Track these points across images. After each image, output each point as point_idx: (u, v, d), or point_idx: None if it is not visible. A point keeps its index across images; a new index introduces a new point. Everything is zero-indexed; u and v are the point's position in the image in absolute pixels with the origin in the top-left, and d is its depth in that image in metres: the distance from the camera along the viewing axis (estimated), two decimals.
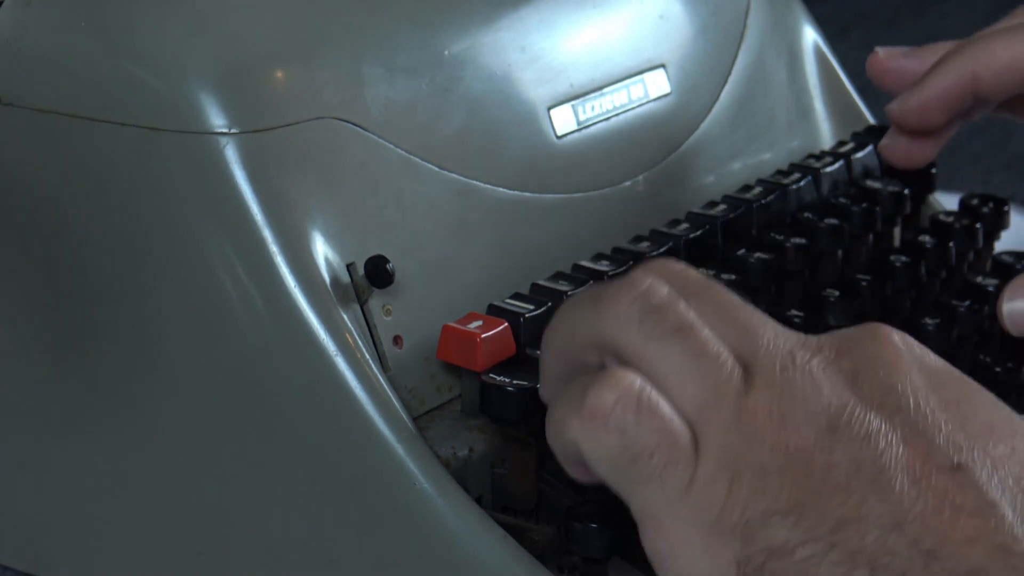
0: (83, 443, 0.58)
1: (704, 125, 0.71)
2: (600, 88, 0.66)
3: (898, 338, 0.44)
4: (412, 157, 0.58)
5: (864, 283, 0.68)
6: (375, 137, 0.57)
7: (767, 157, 0.74)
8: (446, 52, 0.60)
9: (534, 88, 0.63)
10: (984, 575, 0.39)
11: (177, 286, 0.54)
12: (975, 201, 0.75)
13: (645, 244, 0.63)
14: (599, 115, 0.65)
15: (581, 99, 0.65)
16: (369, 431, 0.52)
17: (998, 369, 0.67)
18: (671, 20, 0.70)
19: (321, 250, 0.54)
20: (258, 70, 0.55)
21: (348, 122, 0.56)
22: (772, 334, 0.44)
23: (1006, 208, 0.75)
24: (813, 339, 0.44)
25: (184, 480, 0.56)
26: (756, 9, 0.75)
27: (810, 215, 0.69)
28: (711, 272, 0.61)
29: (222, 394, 0.54)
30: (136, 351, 0.56)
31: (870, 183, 0.73)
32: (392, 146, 0.57)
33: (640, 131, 0.67)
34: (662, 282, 0.45)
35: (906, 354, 0.44)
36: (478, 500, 0.54)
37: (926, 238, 0.72)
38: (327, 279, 0.54)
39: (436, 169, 0.59)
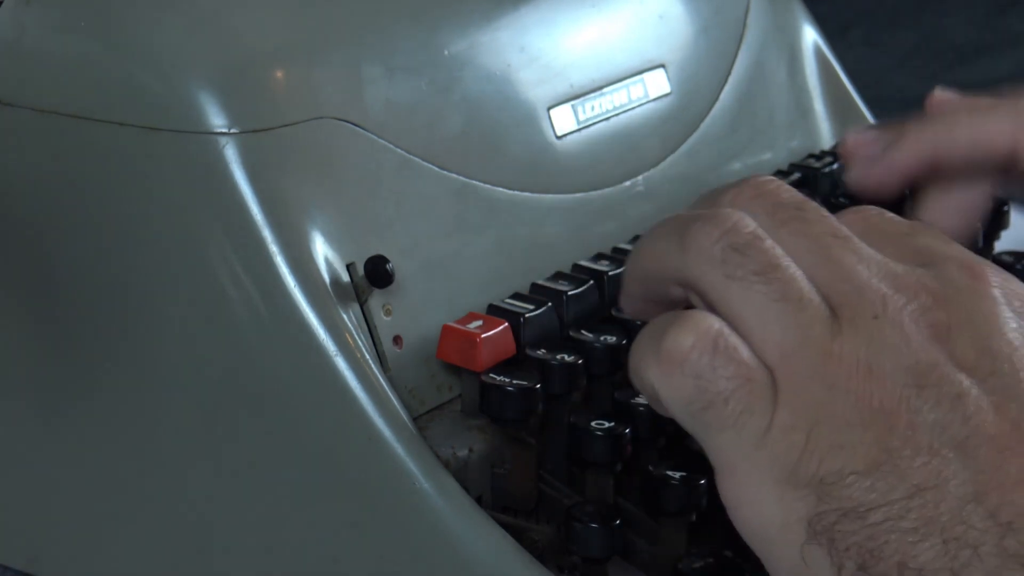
0: (83, 443, 0.58)
1: (704, 125, 0.71)
2: (600, 88, 0.66)
3: (998, 290, 0.43)
4: (412, 157, 0.58)
5: None
6: (375, 137, 0.57)
7: (767, 157, 0.74)
8: (446, 52, 0.60)
9: (534, 88, 0.63)
10: None
11: (177, 286, 0.54)
12: None
13: None
14: (599, 115, 0.65)
15: (581, 99, 0.65)
16: (369, 431, 0.52)
17: None
18: (671, 20, 0.70)
19: (321, 250, 0.54)
20: (258, 70, 0.55)
21: (348, 122, 0.56)
22: (866, 274, 0.42)
23: (1006, 208, 0.75)
24: (912, 277, 0.42)
25: (184, 480, 0.56)
26: (756, 9, 0.75)
27: None
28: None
29: (222, 394, 0.54)
30: (136, 350, 0.56)
31: None
32: (392, 146, 0.57)
33: (640, 131, 0.67)
34: (749, 216, 0.43)
35: (1005, 307, 0.42)
36: (478, 500, 0.54)
37: None
38: (327, 279, 0.54)
39: (436, 169, 0.59)
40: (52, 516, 0.59)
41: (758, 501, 0.41)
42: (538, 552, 0.52)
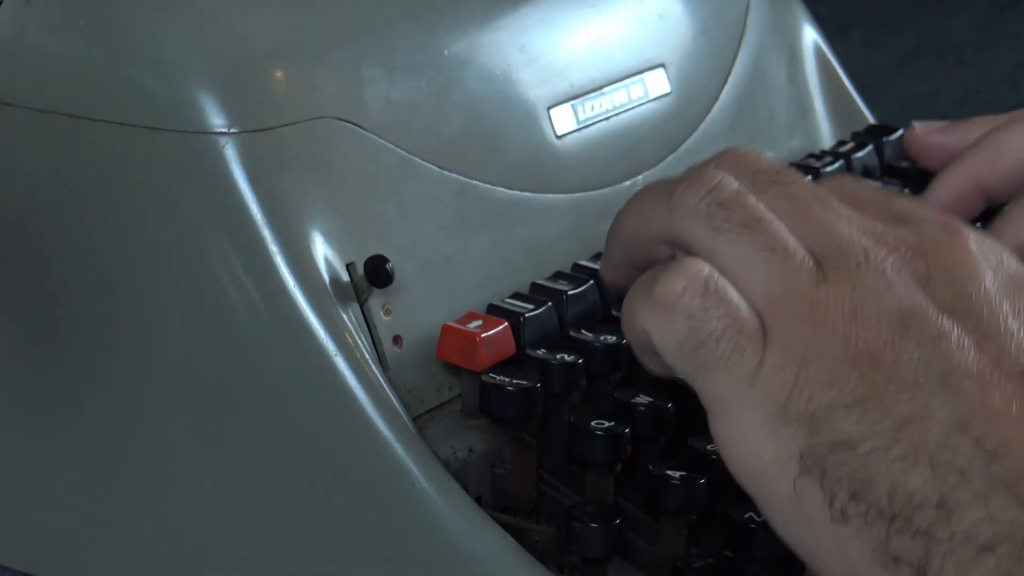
0: (83, 443, 0.58)
1: (704, 125, 0.71)
2: (600, 88, 0.66)
3: (975, 244, 0.44)
4: (412, 157, 0.58)
5: None
6: (375, 137, 0.57)
7: (767, 157, 0.74)
8: (446, 52, 0.60)
9: (534, 88, 0.63)
10: None
11: (176, 286, 0.54)
12: None
13: None
14: (599, 115, 0.65)
15: (581, 99, 0.65)
16: (369, 431, 0.52)
17: None
18: (671, 20, 0.70)
19: (321, 250, 0.54)
20: (257, 70, 0.55)
21: (348, 122, 0.56)
22: (847, 229, 0.44)
23: (1005, 208, 0.75)
24: (891, 233, 0.44)
25: (183, 480, 0.56)
26: (756, 9, 0.75)
27: None
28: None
29: (221, 394, 0.54)
30: (135, 350, 0.56)
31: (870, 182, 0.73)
32: (392, 146, 0.57)
33: (640, 131, 0.67)
34: (733, 176, 0.45)
35: (981, 261, 0.44)
36: (478, 500, 0.54)
37: None
38: (327, 279, 0.54)
39: (436, 169, 0.59)
40: (51, 517, 0.59)
41: (750, 439, 0.43)
42: (538, 552, 0.52)
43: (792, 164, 0.73)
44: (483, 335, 0.55)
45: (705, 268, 0.44)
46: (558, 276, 0.61)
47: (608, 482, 0.54)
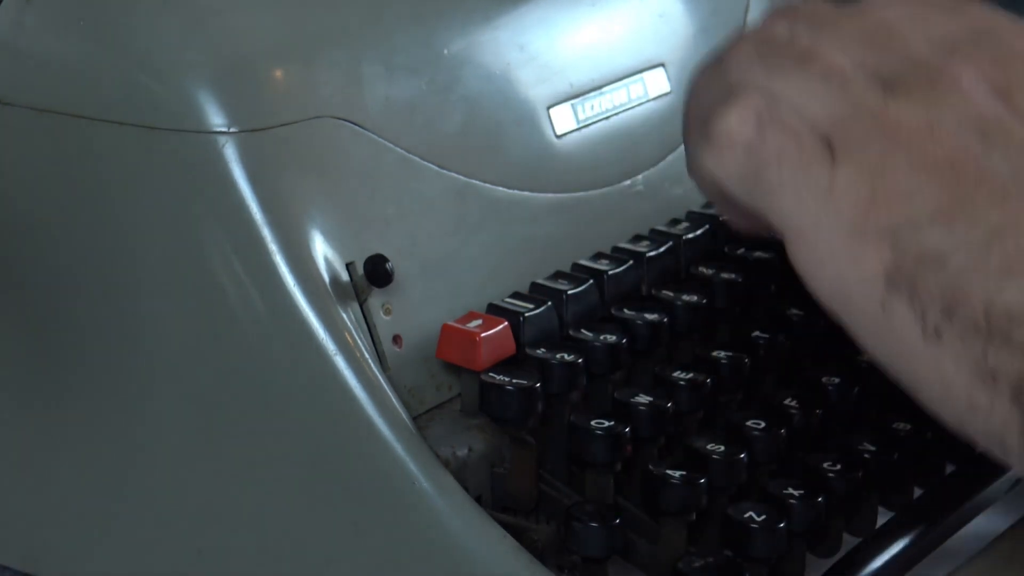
0: (82, 442, 0.58)
1: None
2: (600, 87, 0.66)
3: None
4: (411, 156, 0.58)
5: None
6: (374, 136, 0.57)
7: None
8: (445, 51, 0.60)
9: (533, 87, 0.63)
10: None
11: (176, 285, 0.54)
12: None
13: (645, 243, 0.63)
14: (599, 114, 0.65)
15: (581, 98, 0.65)
16: (369, 431, 0.52)
17: None
18: (671, 19, 0.70)
19: (320, 249, 0.54)
20: (257, 69, 0.55)
21: (347, 121, 0.56)
22: (917, 47, 0.42)
23: None
24: (967, 46, 0.42)
25: (183, 479, 0.56)
26: (756, 9, 0.75)
27: None
28: None
29: (221, 393, 0.54)
30: (135, 350, 0.56)
31: None
32: (391, 145, 0.57)
33: (640, 130, 0.67)
34: (783, 23, 0.43)
35: None
36: (478, 500, 0.54)
37: None
38: (326, 278, 0.54)
39: (435, 168, 0.59)
40: (50, 516, 0.59)
41: (832, 260, 0.40)
42: (538, 552, 0.52)
43: None
44: (483, 334, 0.55)
45: (757, 98, 0.42)
46: (558, 275, 0.60)
47: (608, 482, 0.54)
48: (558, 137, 0.63)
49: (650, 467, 0.53)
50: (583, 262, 0.62)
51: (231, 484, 0.55)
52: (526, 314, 0.57)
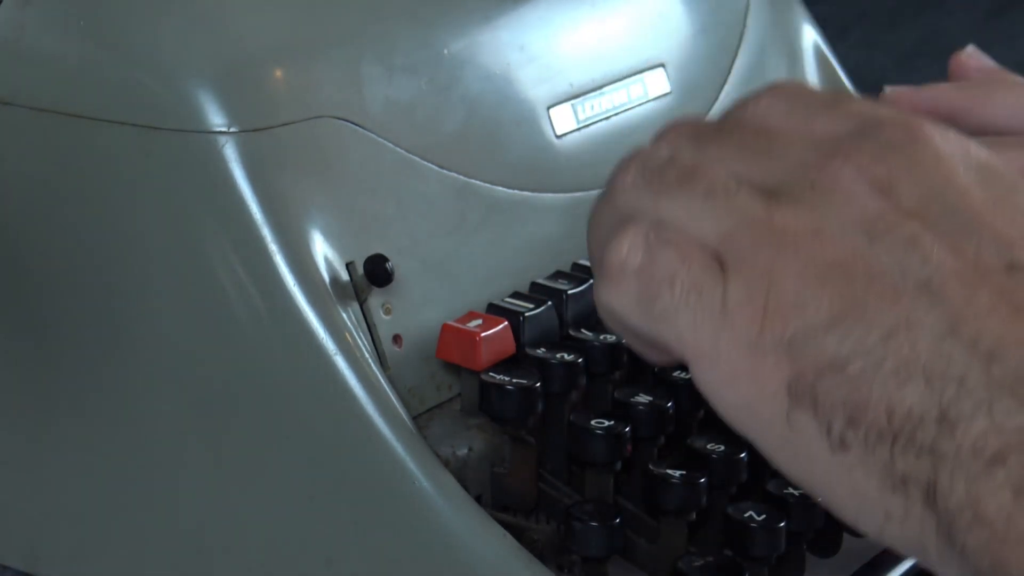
0: (83, 442, 0.58)
1: None
2: (600, 87, 0.66)
3: (939, 138, 0.41)
4: (411, 156, 0.58)
5: None
6: (374, 136, 0.57)
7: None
8: (445, 51, 0.60)
9: (533, 87, 0.63)
10: None
11: (176, 285, 0.54)
12: None
13: None
14: (599, 114, 0.65)
15: (581, 98, 0.65)
16: (369, 431, 0.52)
17: None
18: (671, 20, 0.70)
19: (320, 249, 0.54)
20: (257, 69, 0.55)
21: (347, 121, 0.56)
22: (796, 151, 0.41)
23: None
24: (845, 143, 0.41)
25: (183, 479, 0.56)
26: (756, 9, 0.75)
27: None
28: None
29: (221, 393, 0.54)
30: (135, 350, 0.56)
31: None
32: (391, 145, 0.57)
33: (640, 130, 0.67)
34: (665, 144, 0.43)
35: (948, 156, 0.41)
36: (478, 500, 0.54)
37: None
38: (326, 278, 0.54)
39: (435, 168, 0.59)
40: (51, 516, 0.59)
41: (733, 379, 0.40)
42: (538, 552, 0.52)
43: None
44: (483, 334, 0.55)
45: (644, 224, 0.42)
46: (558, 275, 0.60)
47: (608, 481, 0.54)
48: (558, 137, 0.63)
49: (650, 467, 0.53)
50: (583, 262, 0.62)
51: (231, 484, 0.55)
52: (526, 314, 0.57)
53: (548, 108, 0.63)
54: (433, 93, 0.59)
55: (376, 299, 0.55)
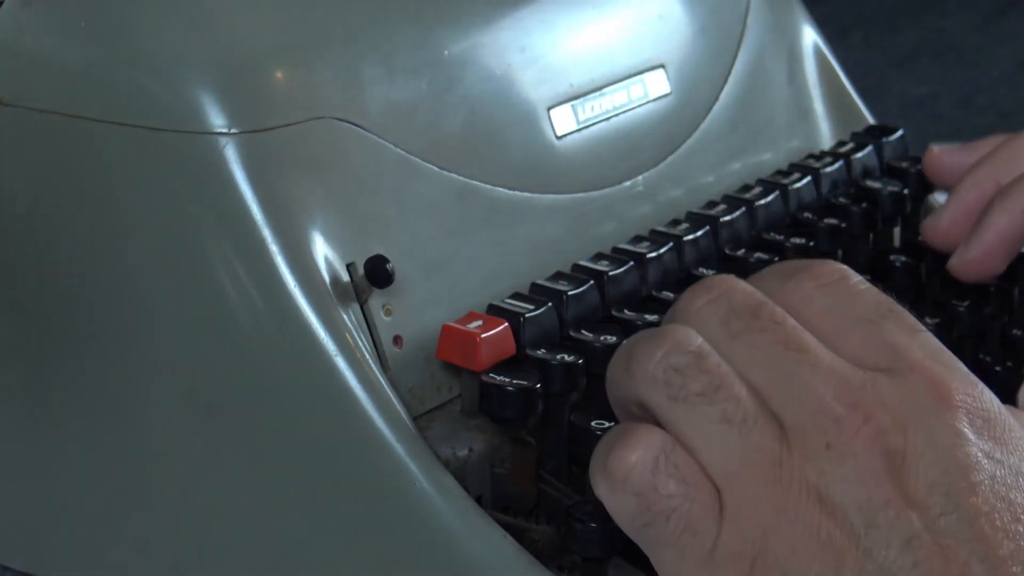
0: (83, 442, 0.58)
1: (704, 125, 0.71)
2: (600, 88, 0.66)
3: (963, 412, 0.40)
4: (412, 157, 0.58)
5: None
6: (375, 137, 0.57)
7: (767, 157, 0.74)
8: (446, 52, 0.60)
9: (534, 88, 0.63)
10: None
11: (176, 286, 0.54)
12: None
13: (645, 244, 0.63)
14: (599, 115, 0.65)
15: (581, 99, 0.65)
16: (369, 431, 0.52)
17: (998, 369, 0.66)
18: (671, 20, 0.70)
19: (321, 250, 0.54)
20: (258, 70, 0.55)
21: (348, 122, 0.56)
22: (820, 391, 0.41)
23: None
24: (871, 392, 0.41)
25: (184, 480, 0.56)
26: (756, 9, 0.75)
27: (810, 215, 0.69)
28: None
29: (221, 394, 0.54)
30: (135, 350, 0.56)
31: (870, 183, 0.73)
32: (392, 146, 0.57)
33: (640, 131, 0.67)
34: (694, 333, 0.43)
35: (967, 439, 0.40)
36: (478, 500, 0.54)
37: None
38: (327, 279, 0.54)
39: (436, 169, 0.59)
40: (52, 516, 0.59)
41: None
42: (538, 552, 0.52)
43: (792, 164, 0.73)
44: (483, 335, 0.55)
45: (658, 440, 0.42)
46: (558, 276, 0.61)
47: None
48: (558, 138, 0.63)
49: None
50: (583, 263, 0.62)
51: (232, 485, 0.55)
52: (526, 315, 0.57)
53: (548, 109, 0.63)
54: (434, 94, 0.59)
55: (376, 300, 0.55)
